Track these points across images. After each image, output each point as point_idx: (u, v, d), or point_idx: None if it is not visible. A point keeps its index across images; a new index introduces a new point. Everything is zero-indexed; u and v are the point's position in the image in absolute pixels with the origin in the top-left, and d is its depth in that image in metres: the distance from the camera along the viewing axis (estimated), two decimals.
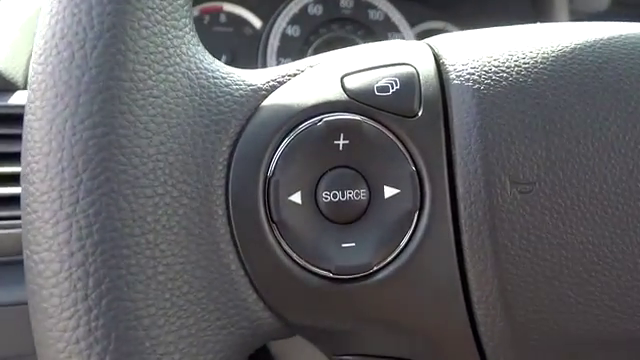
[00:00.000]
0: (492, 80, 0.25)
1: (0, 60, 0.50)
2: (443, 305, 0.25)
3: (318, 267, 0.25)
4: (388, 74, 0.26)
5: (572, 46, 0.27)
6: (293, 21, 0.73)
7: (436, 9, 0.78)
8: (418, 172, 0.25)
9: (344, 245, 0.25)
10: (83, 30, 0.21)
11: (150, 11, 0.22)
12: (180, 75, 0.23)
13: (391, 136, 0.25)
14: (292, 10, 0.73)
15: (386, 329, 0.26)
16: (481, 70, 0.26)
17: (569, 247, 0.25)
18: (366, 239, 0.25)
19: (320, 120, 0.25)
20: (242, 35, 0.73)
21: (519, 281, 0.25)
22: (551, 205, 0.25)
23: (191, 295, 0.23)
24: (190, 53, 0.24)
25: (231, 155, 0.24)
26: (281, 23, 0.72)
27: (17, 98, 0.49)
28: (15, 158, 0.44)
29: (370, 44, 0.29)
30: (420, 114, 0.25)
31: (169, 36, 0.23)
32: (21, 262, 0.23)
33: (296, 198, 0.24)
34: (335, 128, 0.25)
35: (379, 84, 0.25)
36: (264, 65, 0.72)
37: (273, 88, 0.26)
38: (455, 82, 0.26)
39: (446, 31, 0.70)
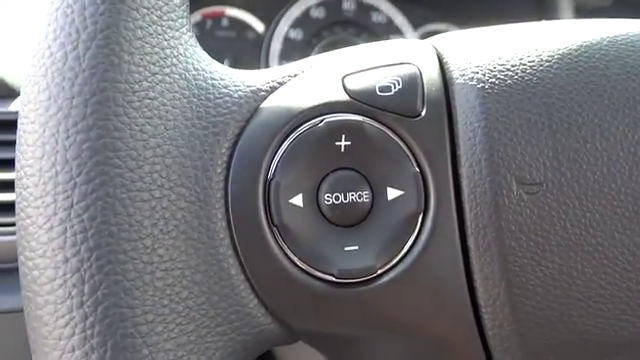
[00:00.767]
0: (497, 79, 0.25)
1: (1, 66, 0.49)
2: (449, 308, 0.25)
3: (321, 271, 0.24)
4: (390, 74, 0.25)
5: (578, 44, 0.26)
6: (295, 24, 0.72)
7: (439, 11, 0.78)
8: (422, 173, 0.24)
9: (347, 248, 0.24)
10: (76, 31, 0.21)
11: (145, 11, 0.22)
12: (177, 76, 0.23)
13: (394, 137, 0.25)
14: (294, 13, 0.73)
15: (391, 333, 0.25)
16: (485, 69, 0.25)
17: (578, 249, 0.24)
18: (369, 242, 0.24)
19: (321, 121, 0.24)
20: (244, 39, 0.73)
21: (527, 284, 0.24)
22: (558, 206, 0.24)
23: (190, 301, 0.22)
24: (187, 54, 0.24)
25: (230, 157, 0.24)
26: (283, 26, 0.72)
27: (18, 105, 0.49)
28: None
29: (371, 43, 0.29)
30: (423, 114, 0.25)
31: (165, 37, 0.23)
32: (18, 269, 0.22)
33: (297, 201, 0.24)
34: (336, 129, 0.24)
35: (381, 84, 0.25)
36: None
37: (273, 89, 0.26)
38: (459, 81, 0.25)
39: None
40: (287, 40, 0.72)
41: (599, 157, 0.24)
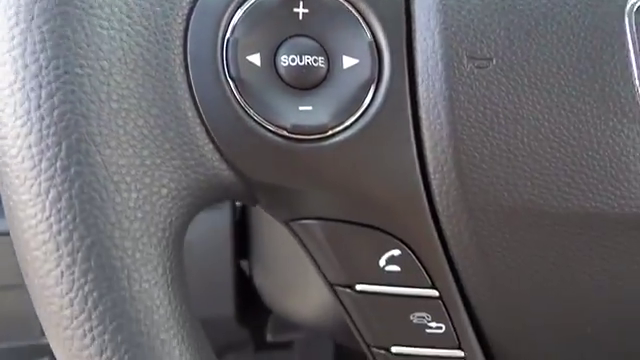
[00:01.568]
0: None
1: None
2: (398, 173, 0.25)
3: (275, 125, 0.25)
4: None
5: None
6: None
7: None
8: (377, 43, 0.26)
9: (301, 108, 0.25)
10: None
11: None
12: None
13: (350, 7, 0.26)
14: None
15: (340, 193, 0.26)
16: None
17: (525, 123, 0.25)
18: (323, 104, 0.25)
19: None
20: None
21: (474, 152, 0.25)
22: (507, 82, 0.25)
23: (146, 130, 0.23)
24: None
25: (191, 11, 0.25)
26: None
27: None
28: None
29: None
30: None
31: None
32: None
33: (255, 59, 0.25)
34: None
35: None
36: None
37: None
38: None
39: None
40: None
41: (550, 40, 0.25)
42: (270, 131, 0.25)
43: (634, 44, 0.26)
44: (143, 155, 0.23)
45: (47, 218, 0.22)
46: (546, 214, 0.25)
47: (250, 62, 0.25)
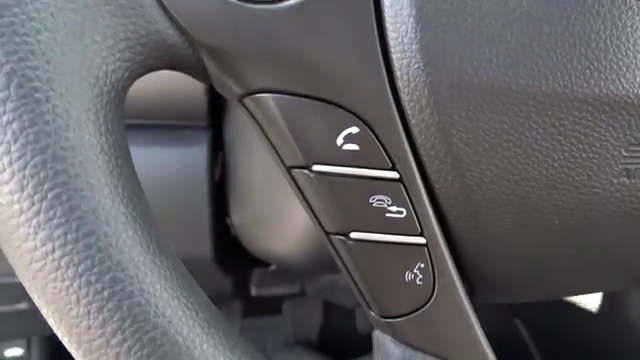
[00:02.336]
0: None
1: None
2: (355, 41, 0.25)
3: None
4: None
5: None
6: None
7: None
8: None
9: None
10: None
11: None
12: None
13: None
14: None
15: (294, 61, 0.25)
16: None
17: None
18: None
19: None
20: None
21: (437, 22, 0.24)
22: None
23: None
24: None
25: None
26: None
27: None
28: None
29: None
30: None
31: None
32: None
33: None
34: None
35: None
36: None
37: None
38: None
39: None
40: None
41: None
42: None
43: None
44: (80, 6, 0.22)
45: None
46: (508, 90, 0.25)
47: None
